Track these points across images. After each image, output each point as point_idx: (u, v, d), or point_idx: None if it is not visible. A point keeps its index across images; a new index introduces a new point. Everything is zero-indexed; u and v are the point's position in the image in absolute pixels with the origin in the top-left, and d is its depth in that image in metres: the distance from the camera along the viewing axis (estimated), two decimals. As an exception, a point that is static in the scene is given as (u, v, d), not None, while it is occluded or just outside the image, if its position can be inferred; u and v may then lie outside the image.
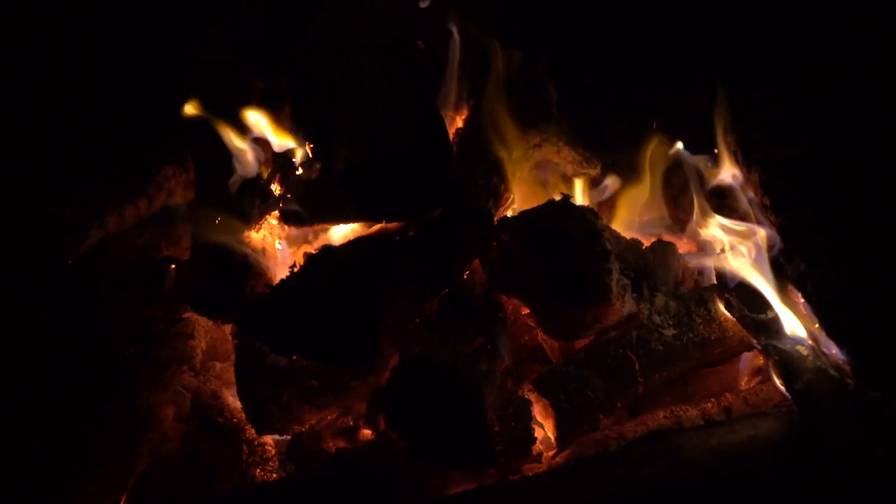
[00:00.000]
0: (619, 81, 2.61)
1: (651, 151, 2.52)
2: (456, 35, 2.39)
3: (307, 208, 2.10)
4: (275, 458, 2.17)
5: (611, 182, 2.58)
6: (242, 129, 2.24)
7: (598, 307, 2.05)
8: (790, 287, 2.11)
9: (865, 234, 2.06)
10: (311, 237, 2.42)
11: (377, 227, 2.13)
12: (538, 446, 1.99)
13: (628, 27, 2.65)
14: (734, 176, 2.38)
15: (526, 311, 2.19)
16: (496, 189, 2.25)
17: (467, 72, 2.39)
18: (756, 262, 2.17)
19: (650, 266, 2.22)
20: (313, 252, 2.07)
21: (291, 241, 2.37)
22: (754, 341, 2.11)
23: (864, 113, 2.24)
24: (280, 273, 2.16)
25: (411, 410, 1.91)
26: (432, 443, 1.91)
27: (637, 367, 2.09)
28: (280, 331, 1.95)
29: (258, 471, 2.14)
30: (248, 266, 2.10)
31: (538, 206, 2.16)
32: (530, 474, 1.97)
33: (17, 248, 2.29)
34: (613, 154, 2.58)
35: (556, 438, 2.01)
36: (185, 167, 2.51)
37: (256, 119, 2.25)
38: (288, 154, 2.18)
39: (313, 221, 2.16)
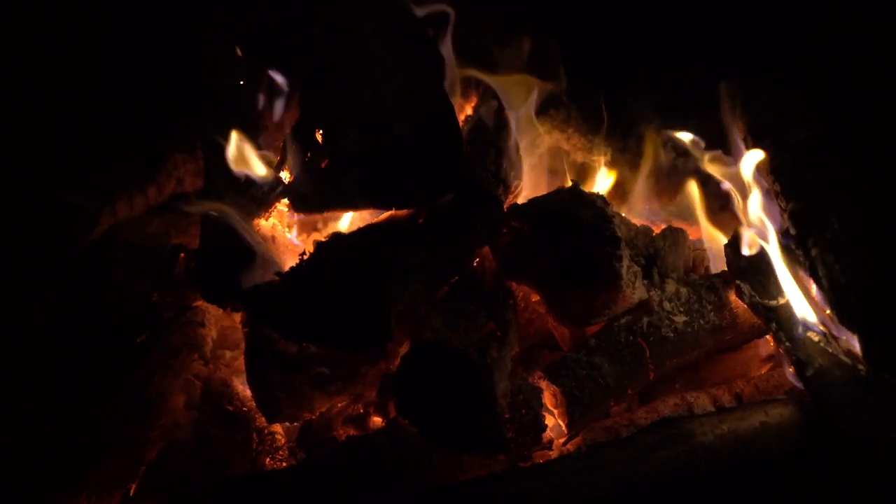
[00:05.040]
0: (629, 67, 2.60)
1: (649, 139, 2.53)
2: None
3: (317, 195, 2.10)
4: (284, 447, 2.18)
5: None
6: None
7: (608, 293, 2.05)
8: (801, 273, 2.10)
9: (877, 219, 2.05)
10: (320, 224, 2.42)
11: (387, 213, 2.13)
12: (549, 433, 2.00)
13: (638, 11, 2.64)
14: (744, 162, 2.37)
15: (536, 297, 2.19)
16: (506, 176, 2.25)
17: (476, 59, 2.39)
18: (767, 247, 2.16)
19: (661, 252, 2.21)
20: (323, 239, 2.06)
21: (301, 229, 2.37)
22: (765, 328, 2.11)
23: (876, 96, 2.22)
24: (290, 260, 2.16)
25: (422, 396, 1.91)
26: (443, 428, 1.91)
27: (648, 353, 2.09)
28: (290, 317, 1.95)
29: (268, 459, 2.15)
30: (257, 254, 2.10)
31: (548, 193, 2.17)
32: (541, 461, 1.97)
33: (29, 234, 2.29)
34: (623, 140, 2.57)
35: (566, 425, 2.01)
36: (194, 155, 2.51)
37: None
38: (297, 141, 2.17)
39: (323, 208, 2.16)
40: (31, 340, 2.27)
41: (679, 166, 2.53)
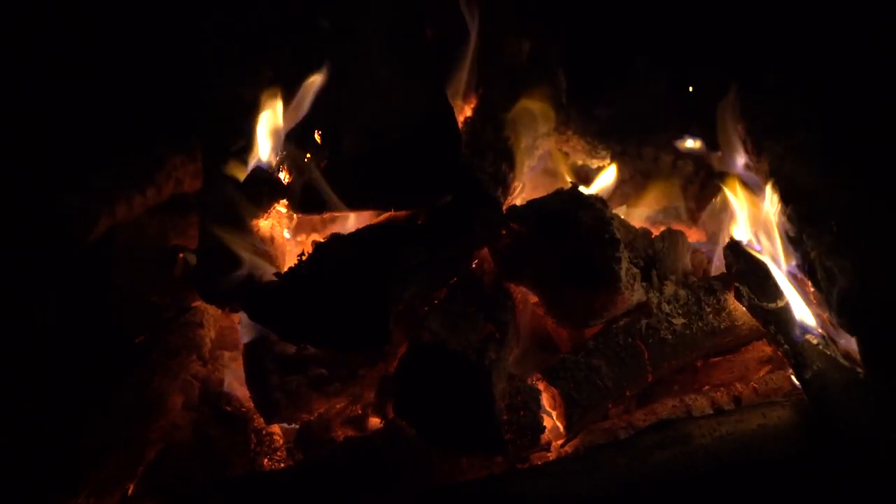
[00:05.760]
0: (629, 69, 2.60)
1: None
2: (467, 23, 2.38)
3: (316, 196, 2.10)
4: (282, 448, 2.17)
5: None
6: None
7: (606, 295, 2.05)
8: (800, 275, 2.10)
9: (877, 221, 2.05)
10: (319, 225, 2.42)
11: (386, 214, 2.13)
12: (547, 435, 1.99)
13: (639, 13, 2.64)
14: (744, 164, 2.37)
15: (535, 299, 2.19)
16: (505, 177, 2.25)
17: (476, 60, 2.38)
18: (766, 250, 2.16)
19: (660, 255, 2.21)
20: (322, 240, 2.06)
21: (300, 230, 2.37)
22: (764, 330, 2.11)
23: (876, 97, 2.22)
24: (288, 261, 2.16)
25: (421, 397, 1.92)
26: (442, 430, 1.91)
27: (646, 355, 2.09)
28: (289, 318, 1.95)
29: (266, 460, 2.14)
30: (256, 254, 2.10)
31: (547, 195, 2.16)
32: (539, 463, 1.97)
33: (29, 234, 2.29)
34: (623, 143, 2.56)
35: (565, 427, 2.01)
36: (193, 156, 2.51)
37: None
38: (297, 141, 2.17)
39: (322, 209, 2.16)
40: (31, 340, 2.26)
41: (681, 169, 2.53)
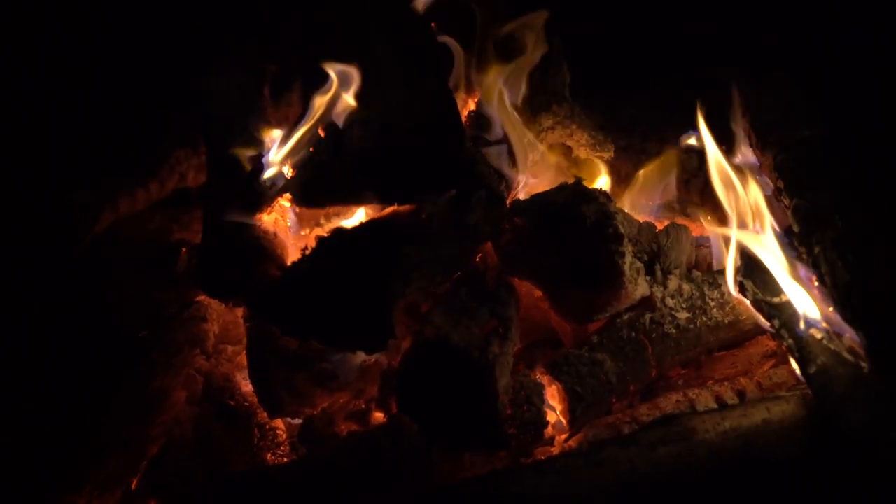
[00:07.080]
0: (633, 64, 2.60)
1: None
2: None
3: (319, 191, 2.09)
4: (286, 443, 2.17)
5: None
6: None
7: (610, 290, 2.05)
8: (804, 270, 2.10)
9: (881, 216, 2.05)
10: (322, 220, 2.41)
11: (389, 209, 2.12)
12: (551, 430, 1.99)
13: (642, 10, 2.65)
14: (749, 160, 2.36)
15: (539, 294, 2.18)
16: (508, 172, 2.25)
17: (480, 54, 2.38)
18: (770, 245, 2.15)
19: (664, 249, 2.21)
20: (325, 235, 2.06)
21: (303, 224, 2.36)
22: (768, 325, 2.10)
23: (880, 94, 2.23)
24: (292, 256, 2.16)
25: (423, 393, 1.91)
26: (444, 426, 1.90)
27: (650, 350, 2.09)
28: (292, 313, 1.94)
29: (269, 455, 2.14)
30: (259, 249, 2.09)
31: (551, 189, 2.16)
32: (542, 457, 1.96)
33: (29, 234, 2.29)
34: (627, 137, 2.56)
35: (568, 422, 2.01)
36: (196, 150, 2.51)
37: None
38: (300, 135, 2.17)
39: (325, 204, 2.16)
40: (31, 340, 2.25)
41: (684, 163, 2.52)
